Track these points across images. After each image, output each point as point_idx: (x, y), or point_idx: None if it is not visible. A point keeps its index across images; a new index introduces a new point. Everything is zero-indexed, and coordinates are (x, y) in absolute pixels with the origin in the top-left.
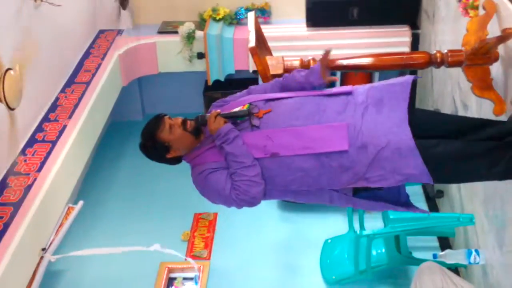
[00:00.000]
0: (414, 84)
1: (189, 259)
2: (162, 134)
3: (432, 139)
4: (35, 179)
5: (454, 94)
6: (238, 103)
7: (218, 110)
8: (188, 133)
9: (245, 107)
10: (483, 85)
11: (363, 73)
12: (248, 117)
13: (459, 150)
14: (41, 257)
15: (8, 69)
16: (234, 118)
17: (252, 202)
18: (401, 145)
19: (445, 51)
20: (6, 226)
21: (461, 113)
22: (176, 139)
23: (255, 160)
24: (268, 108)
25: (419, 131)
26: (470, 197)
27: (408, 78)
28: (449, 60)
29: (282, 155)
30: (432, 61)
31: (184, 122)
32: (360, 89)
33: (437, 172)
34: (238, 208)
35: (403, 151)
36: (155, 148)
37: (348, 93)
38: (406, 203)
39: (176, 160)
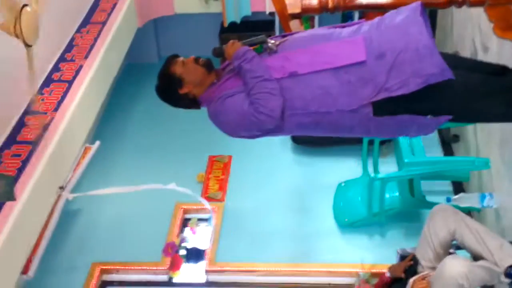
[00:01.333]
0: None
1: (203, 200)
2: (174, 67)
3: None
4: (52, 119)
5: (474, 37)
6: None
7: (236, 39)
8: (200, 66)
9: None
10: (505, 25)
11: (382, 14)
12: (265, 45)
13: (478, 83)
14: (59, 195)
15: (25, 5)
16: (251, 46)
17: (271, 115)
18: (418, 45)
19: None
20: (25, 164)
21: (480, 56)
22: (188, 71)
23: (273, 78)
24: (284, 39)
25: None
26: (486, 141)
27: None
28: (471, 0)
29: (300, 73)
30: (453, 1)
31: (196, 58)
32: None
33: (457, 100)
34: (260, 133)
35: (421, 50)
36: (169, 84)
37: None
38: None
39: (192, 102)
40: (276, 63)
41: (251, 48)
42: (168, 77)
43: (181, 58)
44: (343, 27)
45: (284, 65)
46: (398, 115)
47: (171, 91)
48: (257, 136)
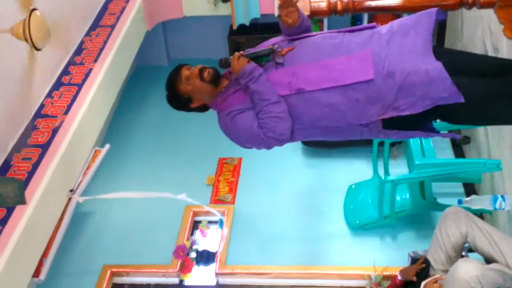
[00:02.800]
0: (440, 19)
1: (211, 209)
2: (181, 86)
3: (463, 77)
4: (62, 122)
5: (484, 38)
6: (261, 46)
7: (241, 52)
8: (206, 83)
9: (270, 47)
10: None
11: (391, 16)
12: (272, 56)
13: (489, 87)
14: (69, 198)
15: (34, 9)
16: (257, 58)
17: (280, 139)
18: (428, 68)
19: None
20: (35, 167)
21: None
22: (195, 90)
23: (281, 97)
24: (291, 47)
25: (448, 68)
26: (497, 142)
27: (432, 9)
28: (481, 1)
29: (307, 90)
30: (464, 2)
31: (201, 72)
32: (384, 26)
33: (466, 107)
34: (268, 148)
35: (431, 73)
36: (179, 101)
37: (372, 28)
38: (435, 129)
39: (202, 109)
40: (283, 78)
41: (258, 57)
42: (176, 95)
43: (184, 74)
44: (352, 31)
45: (291, 81)
46: (408, 131)
47: (182, 106)
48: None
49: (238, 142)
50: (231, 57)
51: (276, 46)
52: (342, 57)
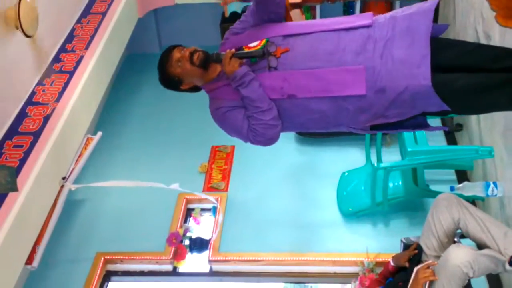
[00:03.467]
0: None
1: (206, 196)
2: (171, 69)
3: (452, 73)
4: (53, 109)
5: (476, 25)
6: (254, 36)
7: (233, 50)
8: (196, 67)
9: (263, 43)
10: (507, 14)
11: (383, 2)
12: (265, 57)
13: (479, 82)
14: (62, 186)
15: None
16: (249, 58)
17: (269, 143)
18: (419, 90)
19: None
20: (27, 154)
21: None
22: (184, 72)
23: (271, 103)
24: (285, 47)
25: (439, 62)
26: (489, 129)
27: (430, 5)
28: None
29: (299, 97)
30: None
31: (191, 55)
32: (381, 20)
33: (458, 105)
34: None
35: (422, 95)
36: (170, 82)
37: (368, 26)
38: (423, 125)
39: (193, 89)
40: (275, 83)
41: (250, 57)
42: (167, 77)
43: (177, 55)
44: (347, 29)
45: (283, 86)
46: (397, 129)
47: (174, 87)
48: None
49: (227, 133)
50: (223, 53)
51: (270, 43)
52: (335, 68)
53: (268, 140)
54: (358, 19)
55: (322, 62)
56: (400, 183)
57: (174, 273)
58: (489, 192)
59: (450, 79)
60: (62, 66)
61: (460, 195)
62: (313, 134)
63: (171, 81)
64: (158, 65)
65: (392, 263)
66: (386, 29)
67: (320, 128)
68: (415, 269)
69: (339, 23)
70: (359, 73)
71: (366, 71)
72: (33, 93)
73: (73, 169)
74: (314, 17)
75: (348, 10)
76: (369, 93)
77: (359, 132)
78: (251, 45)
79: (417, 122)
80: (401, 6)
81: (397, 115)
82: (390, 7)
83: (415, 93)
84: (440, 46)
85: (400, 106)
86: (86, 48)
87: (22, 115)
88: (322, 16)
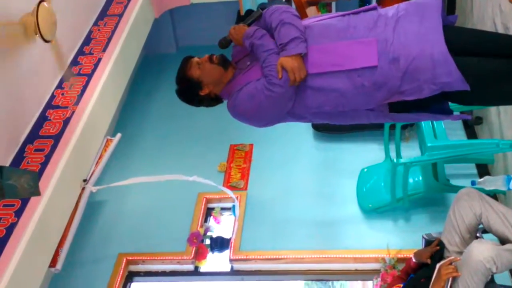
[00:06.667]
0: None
1: (226, 189)
2: (191, 71)
3: (471, 57)
4: (73, 112)
5: (495, 17)
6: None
7: (234, 25)
8: (216, 64)
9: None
10: None
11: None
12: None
13: (499, 68)
14: (83, 188)
15: (41, 1)
16: (252, 21)
17: (283, 85)
18: (433, 52)
19: None
20: (48, 158)
21: None
22: (205, 73)
23: None
24: None
25: (457, 48)
26: (510, 122)
27: None
28: None
29: (311, 72)
30: None
31: (210, 57)
32: (389, 8)
33: (476, 89)
34: (274, 108)
35: (436, 58)
36: (189, 87)
37: (375, 8)
38: (446, 110)
39: (213, 100)
40: None
41: (251, 22)
42: (187, 81)
43: (195, 59)
44: (357, 12)
45: None
46: (414, 113)
47: (192, 94)
48: (274, 122)
49: (247, 118)
50: (228, 35)
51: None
52: (347, 41)
53: (284, 81)
54: (364, 7)
55: (334, 38)
56: (420, 178)
57: (195, 272)
58: (511, 186)
59: (469, 62)
60: (80, 69)
61: (482, 190)
62: (331, 129)
63: (190, 85)
64: (177, 76)
65: (414, 260)
66: (396, 9)
67: (337, 113)
68: (438, 265)
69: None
70: (371, 45)
71: (378, 43)
72: (52, 96)
73: (93, 171)
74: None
75: (364, 5)
76: (382, 63)
77: (378, 119)
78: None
79: (439, 107)
80: None
81: (414, 91)
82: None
83: (429, 56)
84: (457, 32)
85: (415, 78)
86: (104, 50)
87: (42, 119)
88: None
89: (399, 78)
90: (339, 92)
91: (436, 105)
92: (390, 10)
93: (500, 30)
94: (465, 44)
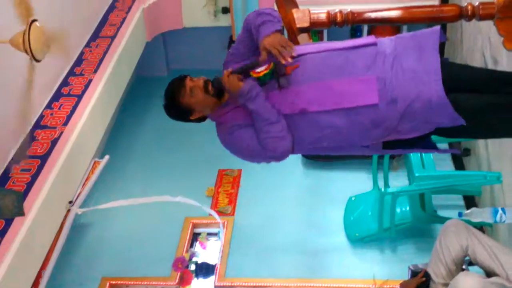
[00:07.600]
0: (441, 41)
1: (212, 212)
2: (184, 99)
3: (462, 93)
4: (61, 133)
5: (484, 50)
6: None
7: (230, 69)
8: (211, 96)
9: (271, 67)
10: None
11: (390, 27)
12: (275, 76)
13: (490, 102)
14: (68, 210)
15: (34, 20)
16: (246, 70)
17: (281, 157)
18: (431, 96)
19: (477, 3)
20: (34, 178)
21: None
22: (198, 102)
23: (280, 115)
24: (296, 64)
25: (449, 84)
26: (498, 155)
27: (435, 27)
28: (480, 13)
29: (311, 110)
30: (463, 14)
31: (205, 85)
32: (386, 41)
33: (471, 121)
34: (267, 163)
35: (434, 102)
36: (180, 113)
37: (373, 44)
38: (430, 146)
39: (200, 119)
40: (286, 97)
41: (248, 70)
42: (178, 107)
43: (188, 85)
44: (356, 47)
45: (294, 101)
46: (408, 149)
47: (182, 117)
48: None
49: (238, 156)
50: (221, 77)
51: (278, 65)
52: (346, 78)
53: (280, 155)
54: (362, 39)
55: (333, 75)
56: (408, 208)
57: None
58: (498, 219)
59: (461, 98)
60: (70, 89)
61: (468, 221)
62: (320, 157)
63: (180, 111)
64: (167, 94)
65: None
66: (394, 46)
67: (333, 147)
68: None
69: (345, 43)
70: (370, 83)
71: (377, 82)
72: (41, 116)
73: (79, 193)
74: (321, 40)
75: (355, 33)
76: (381, 104)
77: (372, 153)
78: (258, 70)
79: (424, 144)
80: (408, 31)
81: (410, 129)
82: (397, 32)
83: (427, 102)
84: (450, 69)
85: (413, 118)
86: (95, 71)
87: (30, 139)
88: (330, 40)
89: (397, 118)
90: (336, 128)
91: (420, 142)
92: (388, 47)
93: (489, 62)
94: (457, 82)
